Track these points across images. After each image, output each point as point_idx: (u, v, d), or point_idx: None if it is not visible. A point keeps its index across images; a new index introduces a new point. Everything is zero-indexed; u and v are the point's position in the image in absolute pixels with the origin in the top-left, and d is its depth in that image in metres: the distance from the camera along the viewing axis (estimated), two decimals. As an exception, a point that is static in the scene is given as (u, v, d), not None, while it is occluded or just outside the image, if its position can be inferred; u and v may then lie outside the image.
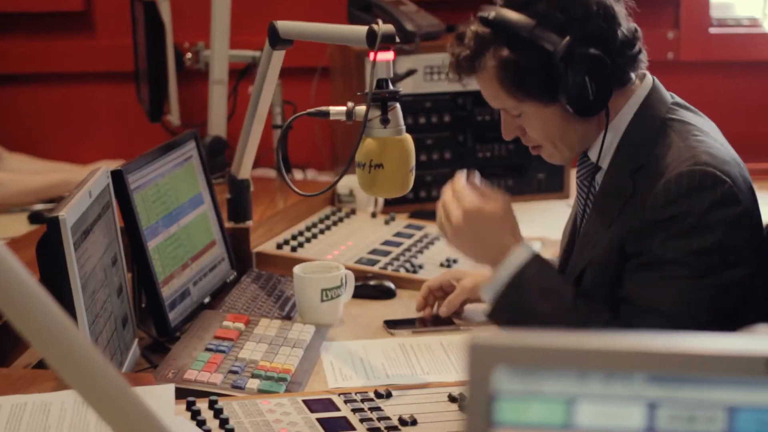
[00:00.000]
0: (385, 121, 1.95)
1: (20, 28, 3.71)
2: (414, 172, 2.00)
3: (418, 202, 3.14)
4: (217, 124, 3.34)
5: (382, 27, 1.93)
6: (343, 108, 2.00)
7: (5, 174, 3.28)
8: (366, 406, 1.80)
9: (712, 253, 1.82)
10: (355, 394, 1.85)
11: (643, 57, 1.96)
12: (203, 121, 3.42)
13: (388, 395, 1.85)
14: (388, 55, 1.94)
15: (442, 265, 2.62)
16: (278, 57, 2.31)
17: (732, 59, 3.71)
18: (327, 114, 2.02)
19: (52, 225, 1.73)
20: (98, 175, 2.00)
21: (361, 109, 1.97)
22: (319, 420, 1.74)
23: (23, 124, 3.77)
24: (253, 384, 1.91)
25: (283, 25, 2.23)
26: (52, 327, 0.92)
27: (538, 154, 2.03)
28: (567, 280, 1.97)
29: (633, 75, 1.95)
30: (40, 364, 2.06)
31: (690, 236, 1.82)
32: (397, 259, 2.63)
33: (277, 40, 2.24)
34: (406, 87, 3.02)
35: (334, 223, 2.87)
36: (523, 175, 3.27)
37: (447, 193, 1.97)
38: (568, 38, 1.85)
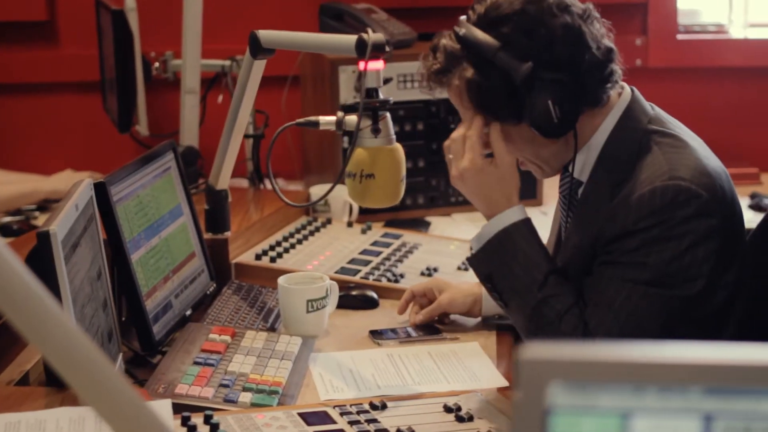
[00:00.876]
0: (375, 131, 1.94)
1: (-18, 39, 3.66)
2: (405, 181, 1.99)
3: (393, 210, 3.11)
4: (189, 134, 3.30)
5: (373, 36, 1.92)
6: (333, 118, 1.98)
7: None
8: (362, 418, 1.79)
9: (675, 263, 1.83)
10: (350, 406, 1.83)
11: (618, 76, 1.94)
12: (172, 131, 3.38)
13: (383, 407, 1.84)
14: (378, 65, 1.93)
15: (422, 273, 2.60)
16: (259, 66, 2.29)
17: (699, 65, 3.73)
18: (317, 124, 2.00)
19: (43, 239, 1.70)
20: (82, 187, 1.97)
21: (352, 118, 1.95)
22: (316, 433, 1.73)
23: (-13, 136, 3.71)
24: (246, 397, 1.89)
25: (265, 35, 2.21)
26: (55, 327, 0.90)
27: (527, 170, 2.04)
28: (548, 256, 1.98)
29: (606, 95, 1.93)
30: (23, 381, 2.02)
31: (656, 245, 1.83)
32: (377, 268, 2.61)
33: (258, 49, 2.22)
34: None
35: (311, 233, 2.85)
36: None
37: (457, 133, 1.98)
38: (529, 64, 1.84)
